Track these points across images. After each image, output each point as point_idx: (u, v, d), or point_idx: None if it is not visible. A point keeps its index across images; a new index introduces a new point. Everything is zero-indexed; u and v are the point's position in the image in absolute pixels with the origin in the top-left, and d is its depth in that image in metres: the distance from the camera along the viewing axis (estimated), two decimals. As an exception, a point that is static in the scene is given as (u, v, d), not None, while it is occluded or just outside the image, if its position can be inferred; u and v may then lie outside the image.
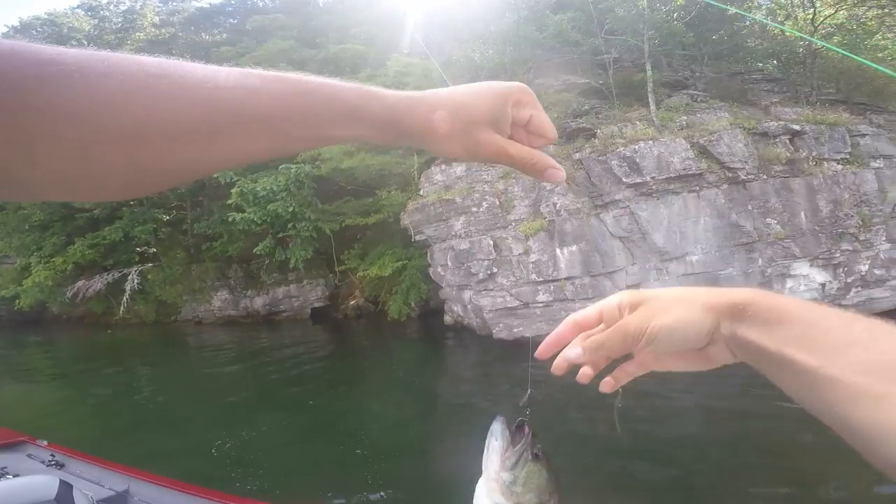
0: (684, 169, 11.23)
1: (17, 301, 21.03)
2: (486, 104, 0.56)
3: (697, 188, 11.45)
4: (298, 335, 17.07)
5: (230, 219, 16.87)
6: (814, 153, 11.91)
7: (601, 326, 0.62)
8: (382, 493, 5.66)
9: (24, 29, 25.19)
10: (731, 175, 11.43)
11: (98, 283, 20.33)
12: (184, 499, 3.77)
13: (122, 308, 19.86)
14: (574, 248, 11.65)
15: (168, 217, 22.12)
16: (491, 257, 12.28)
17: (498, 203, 12.76)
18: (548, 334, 0.62)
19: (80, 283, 20.38)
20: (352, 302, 19.22)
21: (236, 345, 16.25)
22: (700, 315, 0.54)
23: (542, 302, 11.73)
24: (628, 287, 11.29)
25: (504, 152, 0.57)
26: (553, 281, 11.69)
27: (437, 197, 13.60)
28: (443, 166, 14.07)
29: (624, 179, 11.41)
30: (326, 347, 15.41)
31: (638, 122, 12.56)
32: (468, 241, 12.67)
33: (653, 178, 11.26)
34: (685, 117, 12.78)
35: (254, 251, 18.16)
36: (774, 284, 11.18)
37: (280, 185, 16.47)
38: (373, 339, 16.16)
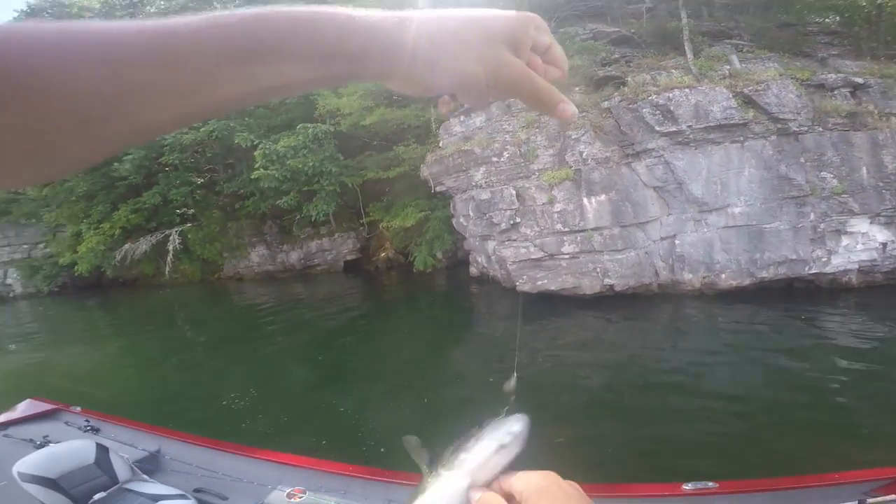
0: (725, 118, 9.78)
1: (76, 267, 21.42)
2: (509, 22, 0.45)
3: (741, 138, 9.98)
4: (332, 288, 16.81)
5: (255, 176, 16.38)
6: (880, 107, 10.19)
7: None
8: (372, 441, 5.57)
9: (34, 12, 23.88)
10: (780, 126, 9.88)
11: (143, 244, 20.40)
12: (212, 454, 3.83)
13: (167, 268, 19.97)
14: (603, 197, 10.54)
15: (202, 180, 21.66)
16: (513, 207, 11.31)
17: (519, 153, 11.61)
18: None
19: (126, 246, 20.47)
20: (382, 254, 18.74)
21: (274, 300, 16.10)
22: None
23: (567, 253, 10.80)
24: (662, 239, 10.41)
25: (528, 77, 0.46)
26: (580, 231, 10.70)
27: (456, 148, 12.51)
28: (461, 118, 12.84)
29: (657, 128, 10.03)
30: (352, 301, 14.99)
31: (674, 71, 11.03)
32: (489, 191, 11.70)
33: (689, 126, 9.86)
34: (728, 67, 11.09)
35: (277, 203, 17.72)
36: (828, 241, 9.85)
37: (299, 142, 15.63)
38: (399, 292, 15.69)
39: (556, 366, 7.67)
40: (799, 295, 10.04)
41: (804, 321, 8.72)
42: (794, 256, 9.92)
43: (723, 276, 10.21)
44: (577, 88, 11.84)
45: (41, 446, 3.82)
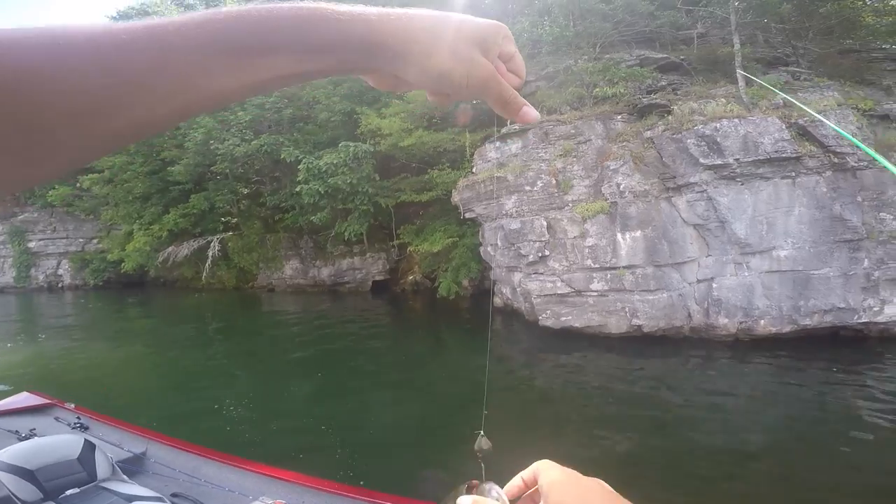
0: (777, 151, 8.95)
1: (123, 265, 22.18)
2: (481, 28, 0.47)
3: (793, 174, 9.12)
4: (357, 306, 16.50)
5: (298, 189, 16.46)
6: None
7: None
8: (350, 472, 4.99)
9: (122, 18, 25.92)
10: (837, 161, 8.96)
11: (185, 248, 20.89)
12: (197, 461, 3.76)
13: (204, 273, 20.27)
14: (638, 233, 9.79)
15: (247, 190, 22.18)
16: (543, 239, 10.71)
17: (554, 182, 11.10)
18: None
19: (170, 249, 21.01)
20: (410, 277, 18.36)
21: (300, 313, 15.90)
22: None
23: (596, 291, 10.04)
24: (699, 281, 9.50)
25: (497, 79, 0.48)
26: (611, 269, 9.94)
27: (489, 174, 12.11)
28: (497, 143, 12.50)
29: (702, 160, 9.29)
30: (373, 321, 14.55)
31: (722, 99, 10.28)
32: (519, 221, 11.15)
33: (737, 160, 9.08)
34: (781, 97, 10.29)
35: (310, 219, 17.61)
36: (882, 290, 8.72)
37: (340, 159, 15.67)
38: (420, 316, 15.14)
39: (569, 400, 6.90)
40: (843, 343, 8.87)
41: (840, 371, 7.70)
42: (842, 305, 8.81)
43: (762, 322, 9.15)
44: (618, 117, 11.29)
45: (25, 439, 3.77)
